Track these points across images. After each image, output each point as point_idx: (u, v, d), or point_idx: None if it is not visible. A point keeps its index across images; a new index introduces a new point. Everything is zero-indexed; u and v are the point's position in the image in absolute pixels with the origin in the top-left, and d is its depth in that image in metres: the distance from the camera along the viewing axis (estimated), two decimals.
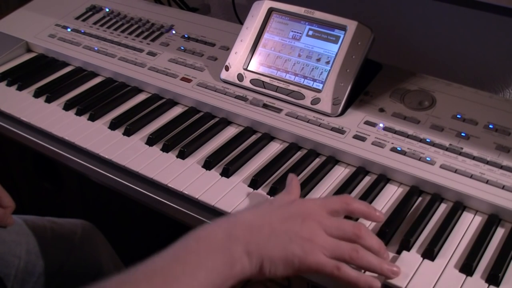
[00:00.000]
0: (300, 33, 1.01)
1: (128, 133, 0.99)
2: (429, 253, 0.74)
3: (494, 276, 0.70)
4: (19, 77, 1.16)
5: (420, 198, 0.84)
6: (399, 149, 0.88)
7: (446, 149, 0.87)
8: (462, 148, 0.87)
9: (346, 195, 0.76)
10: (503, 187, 0.80)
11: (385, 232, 0.76)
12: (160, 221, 0.96)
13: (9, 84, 1.15)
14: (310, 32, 1.01)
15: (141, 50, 1.16)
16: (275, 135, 0.97)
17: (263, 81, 1.01)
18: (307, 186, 0.85)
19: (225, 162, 0.91)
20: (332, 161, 0.91)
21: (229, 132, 0.99)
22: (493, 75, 1.22)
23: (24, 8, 1.36)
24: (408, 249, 0.75)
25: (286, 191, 0.79)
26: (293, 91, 0.99)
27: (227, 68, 1.05)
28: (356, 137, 0.91)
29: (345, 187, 0.85)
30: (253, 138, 0.98)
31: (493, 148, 0.86)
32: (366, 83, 1.00)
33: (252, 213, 0.70)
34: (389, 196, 0.85)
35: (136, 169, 0.91)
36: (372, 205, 0.80)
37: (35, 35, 1.26)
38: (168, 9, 1.32)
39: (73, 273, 1.08)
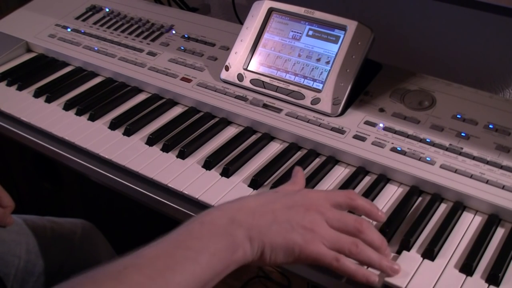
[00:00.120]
0: (300, 33, 1.01)
1: (128, 133, 0.99)
2: (429, 253, 0.74)
3: (494, 276, 0.70)
4: (19, 77, 1.16)
5: (420, 198, 0.85)
6: (399, 149, 0.88)
7: (446, 149, 0.87)
8: (462, 148, 0.87)
9: (351, 191, 0.76)
10: (503, 187, 0.80)
11: (385, 232, 0.76)
12: (160, 221, 0.96)
13: (9, 84, 1.15)
14: (310, 32, 1.01)
15: (141, 50, 1.16)
16: (275, 135, 0.97)
17: (263, 81, 1.01)
18: (307, 186, 0.85)
19: (225, 162, 0.91)
20: (332, 161, 0.91)
21: (229, 132, 0.99)
22: (493, 75, 1.22)
23: (24, 8, 1.36)
24: (408, 249, 0.75)
25: (291, 182, 0.80)
26: (293, 91, 0.99)
27: (227, 68, 1.05)
28: (356, 137, 0.91)
29: (345, 187, 0.85)
30: (253, 138, 0.98)
31: (493, 148, 0.86)
32: (366, 83, 1.00)
33: (256, 200, 0.71)
34: (389, 196, 0.85)
35: (136, 169, 0.91)
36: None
37: (35, 35, 1.26)
38: (168, 9, 1.32)
39: (73, 273, 1.07)
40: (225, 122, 1.01)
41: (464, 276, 0.71)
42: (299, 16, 1.02)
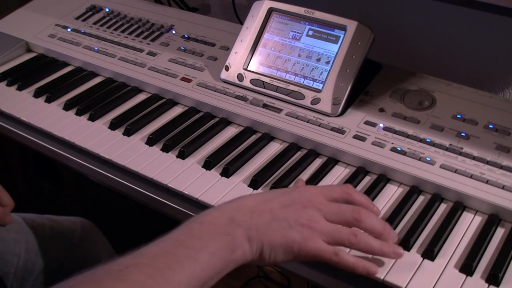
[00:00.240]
0: (300, 33, 1.01)
1: (128, 133, 0.99)
2: (429, 253, 0.74)
3: (494, 276, 0.70)
4: (19, 77, 1.16)
5: (420, 198, 0.85)
6: (399, 149, 0.88)
7: (446, 149, 0.87)
8: (462, 148, 0.87)
9: (348, 185, 0.76)
10: (503, 187, 0.80)
11: None
12: (160, 221, 0.96)
13: (9, 84, 1.15)
14: (310, 32, 1.01)
15: (141, 50, 1.16)
16: (275, 135, 0.97)
17: (263, 81, 1.01)
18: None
19: (225, 162, 0.91)
20: (332, 161, 0.91)
21: (229, 132, 0.99)
22: (493, 75, 1.22)
23: (24, 8, 1.36)
24: (408, 249, 0.75)
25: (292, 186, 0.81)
26: (293, 91, 0.99)
27: (227, 68, 1.05)
28: (356, 137, 0.91)
29: None
30: (253, 138, 0.98)
31: (493, 148, 0.86)
32: (366, 83, 1.00)
33: (254, 199, 0.71)
34: (389, 196, 0.85)
35: (136, 169, 0.91)
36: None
37: (35, 35, 1.26)
38: (168, 9, 1.32)
39: (72, 271, 1.07)
40: (225, 122, 1.01)
41: (464, 276, 0.71)
42: (299, 16, 1.02)
